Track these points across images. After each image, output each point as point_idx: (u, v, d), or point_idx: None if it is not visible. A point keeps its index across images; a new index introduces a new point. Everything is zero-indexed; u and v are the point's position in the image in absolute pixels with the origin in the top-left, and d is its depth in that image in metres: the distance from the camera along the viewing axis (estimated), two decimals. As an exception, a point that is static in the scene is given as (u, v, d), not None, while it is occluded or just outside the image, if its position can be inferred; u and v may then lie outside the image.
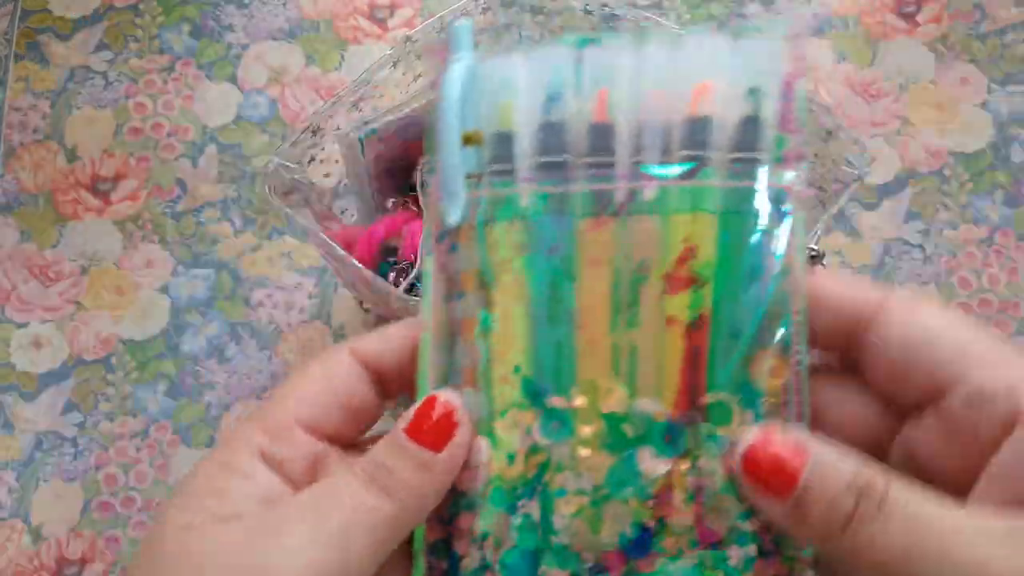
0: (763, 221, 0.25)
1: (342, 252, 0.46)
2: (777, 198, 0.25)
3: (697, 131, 0.26)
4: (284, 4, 0.79)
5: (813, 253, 0.47)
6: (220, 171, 0.74)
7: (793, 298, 0.24)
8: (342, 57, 0.78)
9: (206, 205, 0.73)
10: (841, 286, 0.24)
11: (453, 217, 0.26)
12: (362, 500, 0.22)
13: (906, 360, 0.22)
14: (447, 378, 0.25)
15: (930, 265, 0.73)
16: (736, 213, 0.25)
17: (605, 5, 0.51)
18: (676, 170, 0.25)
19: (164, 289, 0.71)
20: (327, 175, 0.55)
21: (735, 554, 0.24)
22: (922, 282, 0.73)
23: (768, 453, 0.22)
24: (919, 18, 0.79)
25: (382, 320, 0.71)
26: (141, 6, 0.79)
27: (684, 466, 0.24)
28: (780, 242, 0.25)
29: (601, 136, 0.26)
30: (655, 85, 0.26)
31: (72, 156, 0.75)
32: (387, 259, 0.54)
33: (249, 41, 0.78)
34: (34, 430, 0.67)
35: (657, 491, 0.24)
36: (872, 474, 0.21)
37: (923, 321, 0.23)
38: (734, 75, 0.26)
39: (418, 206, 0.54)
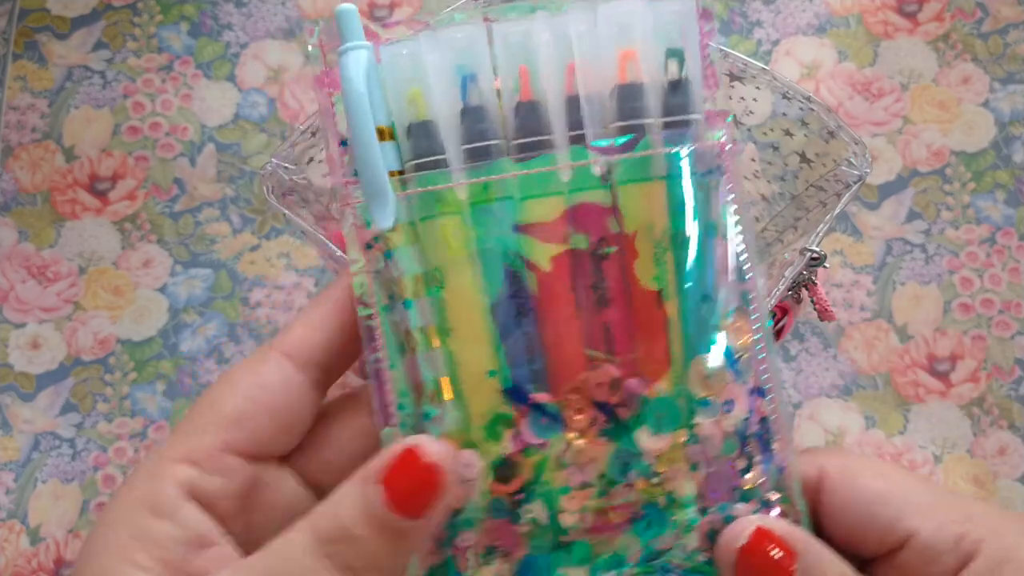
0: (706, 180, 0.25)
1: (341, 253, 0.45)
2: (712, 156, 0.25)
3: (630, 99, 0.25)
4: (283, 3, 0.79)
5: (814, 255, 0.46)
6: (219, 170, 0.74)
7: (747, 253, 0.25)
8: (341, 56, 0.77)
9: (204, 205, 0.73)
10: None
11: (384, 221, 0.24)
12: None
13: (855, 524, 0.23)
14: (413, 402, 0.23)
15: (932, 265, 0.73)
16: (679, 176, 0.25)
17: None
18: (617, 141, 0.25)
19: (162, 289, 0.71)
20: (326, 175, 0.55)
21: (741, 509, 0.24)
22: (924, 282, 0.73)
23: (763, 551, 0.22)
24: (920, 17, 0.79)
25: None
26: (139, 5, 0.79)
27: (683, 437, 0.24)
28: (724, 199, 0.25)
29: (531, 115, 0.25)
30: (577, 56, 0.25)
31: (70, 155, 0.74)
32: (386, 259, 0.54)
33: (248, 40, 0.78)
34: (32, 431, 0.67)
35: (662, 467, 0.24)
36: None
37: (864, 485, 0.23)
38: (652, 38, 0.25)
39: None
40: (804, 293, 0.51)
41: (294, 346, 0.23)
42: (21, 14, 0.78)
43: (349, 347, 0.24)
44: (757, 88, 0.52)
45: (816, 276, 0.51)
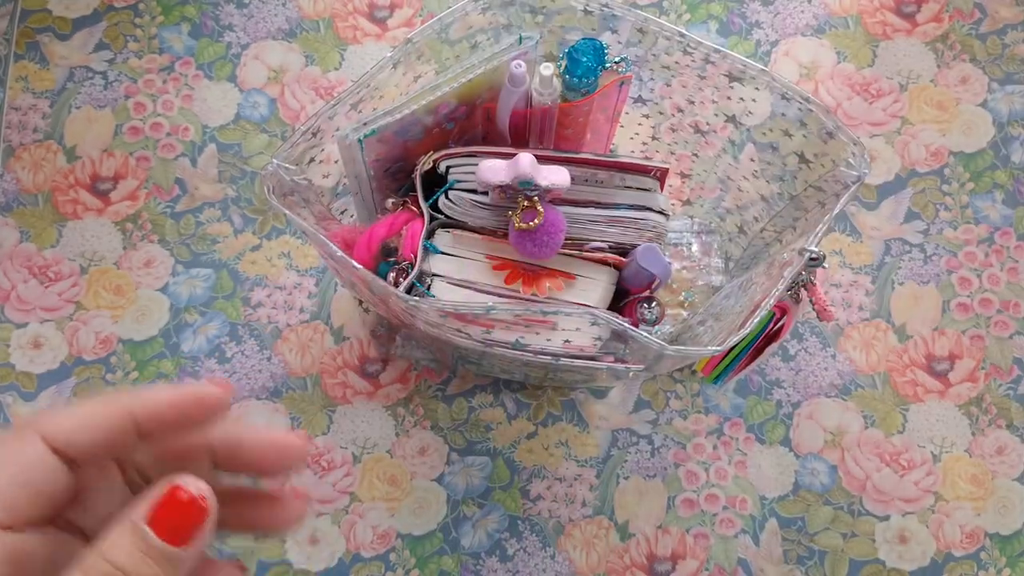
0: None
1: (341, 252, 0.46)
2: None
3: None
4: (284, 4, 0.79)
5: (813, 255, 0.46)
6: (220, 171, 0.74)
7: None
8: (342, 57, 0.77)
9: (205, 205, 0.73)
10: None
11: None
12: None
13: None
14: None
15: (930, 265, 0.73)
16: None
17: (605, 5, 0.51)
18: None
19: (163, 289, 0.71)
20: (326, 175, 0.55)
21: None
22: (922, 282, 0.73)
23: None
24: (919, 17, 0.79)
25: (382, 320, 0.71)
26: (140, 6, 0.79)
27: None
28: None
29: None
30: None
31: (72, 156, 0.75)
32: (387, 259, 0.54)
33: (249, 41, 0.78)
34: (34, 430, 0.67)
35: None
36: None
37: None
38: None
39: (418, 206, 0.54)
40: (803, 293, 0.52)
41: (56, 435, 0.23)
42: (23, 15, 0.79)
43: (109, 441, 0.24)
44: (756, 89, 0.52)
45: (815, 276, 0.51)
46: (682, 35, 0.50)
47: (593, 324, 0.51)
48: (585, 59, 0.52)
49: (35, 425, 0.22)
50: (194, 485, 0.21)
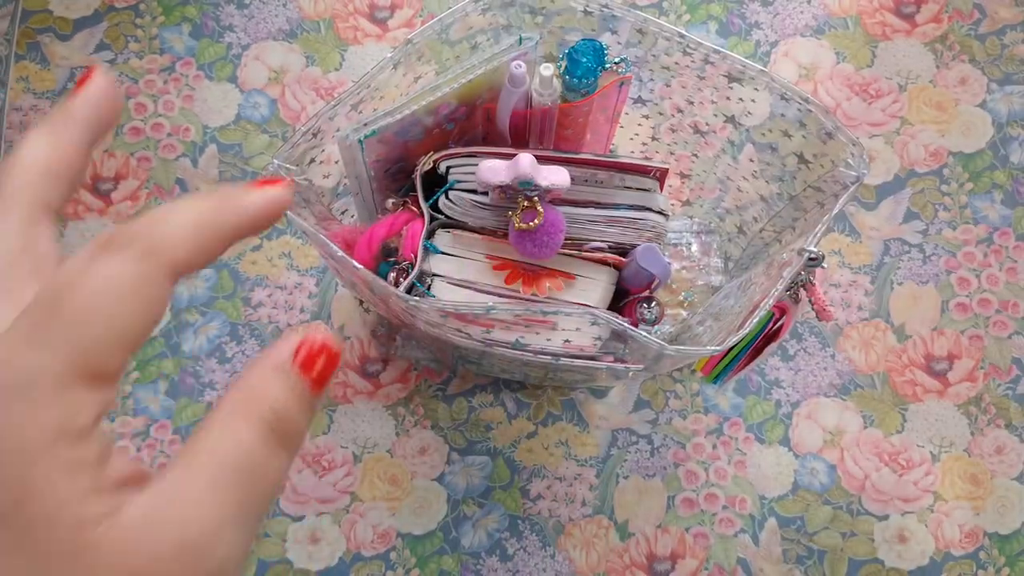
0: None
1: (342, 253, 0.46)
2: None
3: None
4: (284, 4, 0.79)
5: (812, 255, 0.47)
6: (220, 171, 0.74)
7: None
8: (342, 57, 0.78)
9: (206, 205, 0.74)
10: None
11: None
12: (266, 460, 0.20)
13: None
14: None
15: (929, 265, 0.73)
16: None
17: (605, 6, 0.51)
18: None
19: (165, 289, 0.71)
20: (327, 176, 0.55)
21: None
22: (921, 282, 0.73)
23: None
24: (918, 18, 0.79)
25: (382, 320, 0.71)
26: (141, 6, 0.79)
27: None
28: None
29: None
30: None
31: (73, 156, 0.75)
32: (387, 259, 0.54)
33: (249, 41, 0.78)
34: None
35: None
36: None
37: None
38: None
39: (418, 206, 0.54)
40: (802, 293, 0.52)
41: (180, 261, 0.22)
42: (24, 15, 0.79)
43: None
44: (756, 89, 0.52)
45: (814, 276, 0.51)
46: (682, 36, 0.50)
47: (593, 324, 0.51)
48: (585, 60, 0.52)
49: (161, 252, 0.21)
50: (330, 337, 0.22)
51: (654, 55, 0.53)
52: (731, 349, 0.55)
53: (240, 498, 0.20)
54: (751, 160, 0.59)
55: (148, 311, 0.20)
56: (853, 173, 0.48)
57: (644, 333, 0.44)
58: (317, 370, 0.21)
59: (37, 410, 0.18)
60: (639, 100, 0.64)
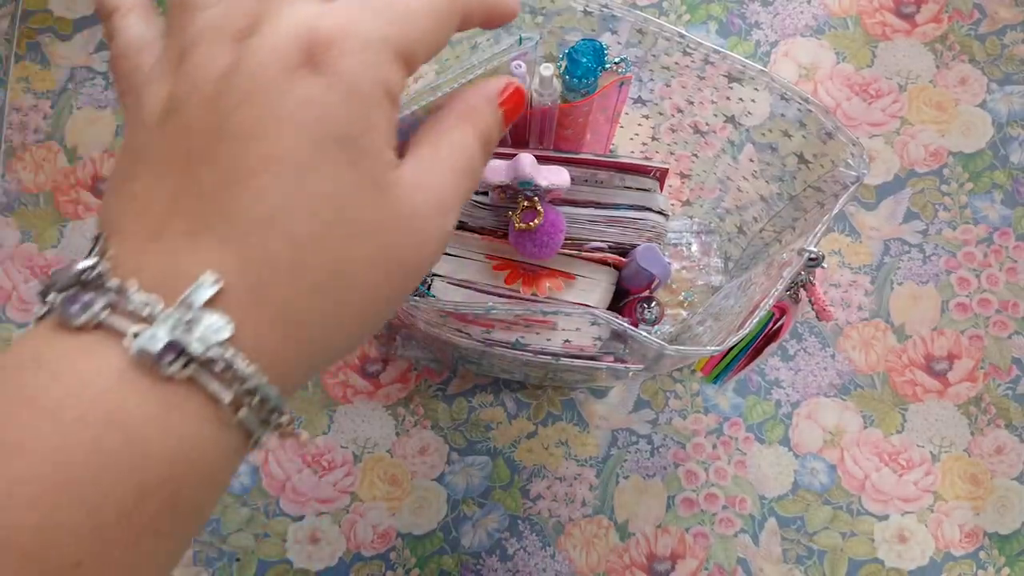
0: None
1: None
2: None
3: None
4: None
5: (812, 255, 0.47)
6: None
7: None
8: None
9: (206, 205, 0.74)
10: None
11: None
12: (479, 162, 0.26)
13: None
14: None
15: (929, 265, 0.73)
16: None
17: (605, 6, 0.51)
18: None
19: (165, 289, 0.71)
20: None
21: None
22: (921, 282, 0.73)
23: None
24: (918, 18, 0.79)
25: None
26: (141, 6, 0.79)
27: None
28: None
29: None
30: None
31: (73, 156, 0.75)
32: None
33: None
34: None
35: None
36: None
37: None
38: None
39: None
40: (802, 293, 0.52)
41: (418, 57, 0.25)
42: (24, 15, 0.79)
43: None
44: (755, 89, 0.52)
45: (814, 276, 0.51)
46: (682, 36, 0.50)
47: (593, 324, 0.51)
48: (585, 60, 0.52)
49: (408, 57, 0.24)
50: (522, 86, 0.28)
51: (654, 55, 0.53)
52: (731, 349, 0.55)
53: (466, 186, 0.26)
54: (751, 160, 0.59)
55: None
56: (853, 173, 0.48)
57: (644, 333, 0.44)
58: (510, 107, 0.28)
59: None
60: (639, 100, 0.64)
